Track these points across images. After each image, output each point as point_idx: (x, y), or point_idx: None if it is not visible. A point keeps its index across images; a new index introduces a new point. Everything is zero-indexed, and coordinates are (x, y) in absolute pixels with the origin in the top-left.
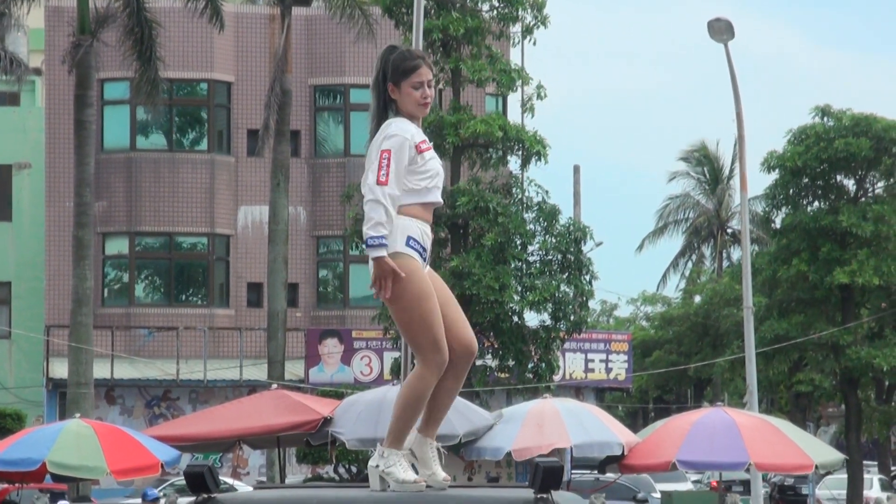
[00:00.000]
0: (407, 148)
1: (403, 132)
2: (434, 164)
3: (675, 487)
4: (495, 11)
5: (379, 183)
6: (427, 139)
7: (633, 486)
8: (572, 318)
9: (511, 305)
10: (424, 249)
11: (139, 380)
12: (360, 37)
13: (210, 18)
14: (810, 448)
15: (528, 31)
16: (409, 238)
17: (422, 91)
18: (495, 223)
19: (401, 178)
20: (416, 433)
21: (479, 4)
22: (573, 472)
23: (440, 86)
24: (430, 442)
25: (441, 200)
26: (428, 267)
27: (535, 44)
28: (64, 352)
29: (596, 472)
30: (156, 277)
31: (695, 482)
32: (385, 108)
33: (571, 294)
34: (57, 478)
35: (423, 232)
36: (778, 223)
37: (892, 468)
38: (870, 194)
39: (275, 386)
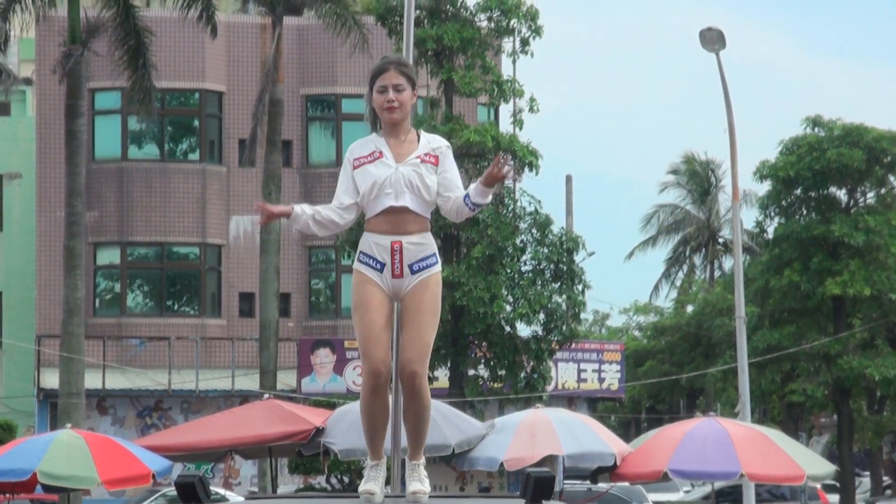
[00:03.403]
0: (346, 168)
1: (348, 153)
2: (367, 177)
3: (667, 498)
4: (492, 23)
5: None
6: (376, 151)
7: (625, 496)
8: (564, 329)
9: (503, 316)
10: (375, 260)
11: (131, 390)
12: (354, 47)
13: (204, 25)
14: (802, 459)
15: (524, 42)
16: (360, 253)
17: (385, 95)
18: (485, 234)
19: (344, 194)
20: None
21: (475, 15)
22: (565, 482)
23: (434, 94)
24: (408, 462)
25: (391, 203)
26: (420, 278)
27: (532, 56)
28: (55, 362)
29: (588, 482)
30: (147, 287)
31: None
32: (374, 117)
33: (564, 305)
34: (48, 488)
35: (374, 244)
36: (770, 233)
37: (884, 478)
38: (861, 205)
39: (267, 396)
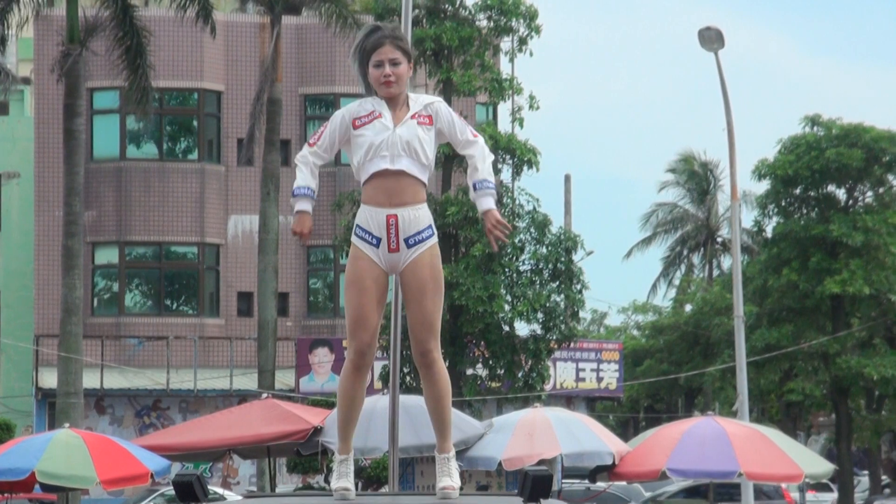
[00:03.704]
0: (339, 121)
1: (345, 109)
2: (365, 138)
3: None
4: (491, 21)
5: (307, 144)
6: (375, 111)
7: (624, 495)
8: (562, 328)
9: (501, 315)
10: (371, 234)
11: (129, 389)
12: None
13: (202, 25)
14: (800, 458)
15: (522, 42)
16: (356, 226)
17: (382, 69)
18: (483, 234)
19: (334, 146)
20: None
21: (475, 14)
22: (564, 481)
23: (432, 94)
24: (438, 455)
25: (386, 166)
26: (416, 253)
27: (531, 55)
28: (53, 361)
29: (587, 481)
30: (146, 287)
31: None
32: (368, 88)
33: (562, 305)
34: (46, 488)
35: (370, 217)
36: (769, 232)
37: (883, 477)
38: (860, 204)
39: (265, 395)
